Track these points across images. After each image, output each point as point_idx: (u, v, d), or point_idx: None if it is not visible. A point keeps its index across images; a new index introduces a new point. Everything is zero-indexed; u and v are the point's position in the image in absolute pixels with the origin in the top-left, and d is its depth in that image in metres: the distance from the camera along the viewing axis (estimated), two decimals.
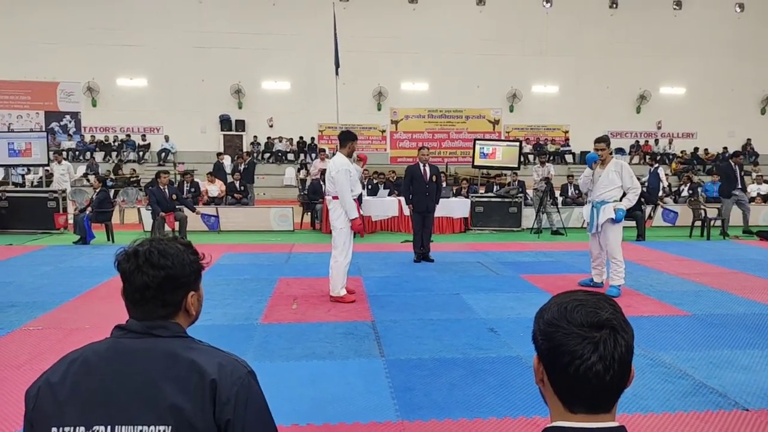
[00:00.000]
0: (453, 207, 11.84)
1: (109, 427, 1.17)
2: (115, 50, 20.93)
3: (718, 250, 9.55)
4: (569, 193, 13.29)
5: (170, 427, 1.16)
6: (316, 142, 21.97)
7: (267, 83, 22.26)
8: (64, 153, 19.28)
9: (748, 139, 23.15)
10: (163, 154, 21.08)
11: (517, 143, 13.58)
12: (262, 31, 21.31)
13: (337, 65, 12.85)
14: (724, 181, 11.52)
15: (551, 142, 22.79)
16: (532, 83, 22.81)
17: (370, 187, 12.97)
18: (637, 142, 23.07)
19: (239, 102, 22.16)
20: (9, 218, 11.13)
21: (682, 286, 6.62)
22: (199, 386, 1.19)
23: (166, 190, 10.00)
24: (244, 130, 22.26)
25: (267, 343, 4.45)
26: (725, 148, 22.55)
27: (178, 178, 14.26)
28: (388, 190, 12.92)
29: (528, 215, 11.98)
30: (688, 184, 14.64)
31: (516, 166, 12.80)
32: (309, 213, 12.59)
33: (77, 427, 1.17)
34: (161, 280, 1.28)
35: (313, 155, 20.10)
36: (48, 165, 12.39)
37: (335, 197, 5.80)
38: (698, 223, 11.47)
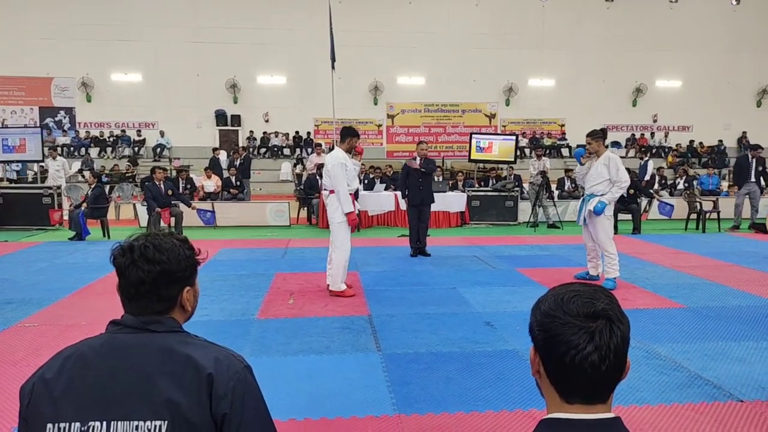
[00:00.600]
0: (449, 201, 11.85)
1: (104, 423, 1.17)
2: (109, 45, 20.81)
3: (713, 242, 9.58)
4: (565, 187, 13.31)
5: (166, 422, 1.16)
6: (312, 136, 21.93)
7: (263, 78, 22.17)
8: (59, 149, 19.20)
9: (744, 132, 23.21)
10: (159, 150, 21.01)
11: (514, 137, 13.58)
12: (258, 26, 21.21)
13: (333, 60, 12.79)
14: (736, 172, 11.53)
15: (548, 136, 22.79)
16: (528, 77, 22.80)
17: (366, 181, 12.95)
18: (633, 135, 23.11)
19: (235, 97, 22.09)
20: (3, 214, 11.09)
21: (677, 278, 6.65)
22: (195, 381, 1.19)
23: (162, 186, 9.97)
24: (239, 125, 22.20)
25: (264, 338, 4.45)
26: (720, 140, 22.61)
27: (174, 173, 14.22)
28: (384, 185, 12.91)
29: (524, 209, 12.00)
30: (684, 177, 14.69)
31: (512, 160, 12.81)
32: (305, 208, 12.59)
33: (72, 423, 1.17)
34: (156, 275, 1.27)
35: (309, 150, 20.07)
36: (43, 161, 12.34)
37: (332, 191, 5.79)
38: (694, 216, 11.50)
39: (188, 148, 21.10)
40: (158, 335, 1.26)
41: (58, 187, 11.70)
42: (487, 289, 6.05)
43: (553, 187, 12.74)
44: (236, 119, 22.16)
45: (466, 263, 7.59)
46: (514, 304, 5.49)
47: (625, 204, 10.70)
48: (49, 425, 1.17)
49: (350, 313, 5.18)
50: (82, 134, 21.43)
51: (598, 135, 6.21)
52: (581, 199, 6.42)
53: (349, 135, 5.97)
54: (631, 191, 10.68)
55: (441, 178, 12.33)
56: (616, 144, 22.13)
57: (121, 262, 1.29)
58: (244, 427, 1.21)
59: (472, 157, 12.95)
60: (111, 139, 21.45)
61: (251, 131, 22.11)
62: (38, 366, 1.28)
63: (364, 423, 3.03)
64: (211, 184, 13.12)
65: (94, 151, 20.80)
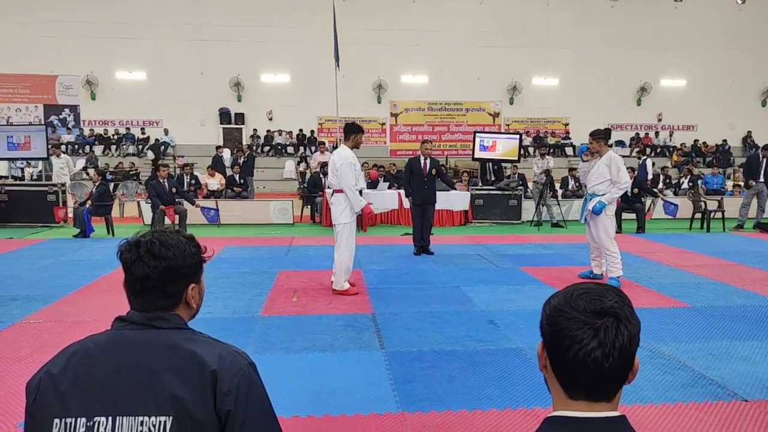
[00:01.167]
0: (453, 200, 11.83)
1: (110, 418, 1.17)
2: (114, 43, 20.87)
3: (717, 242, 9.55)
4: (569, 186, 13.29)
5: (171, 418, 1.17)
6: (315, 135, 21.94)
7: (266, 76, 22.20)
8: (63, 147, 19.26)
9: (749, 132, 23.12)
10: (163, 148, 21.05)
11: (517, 136, 13.55)
12: (262, 24, 21.23)
13: (337, 58, 12.79)
14: (746, 171, 11.49)
15: (551, 135, 22.75)
16: (532, 76, 22.75)
17: (369, 180, 12.95)
18: (638, 134, 23.04)
19: (239, 95, 22.11)
20: (9, 212, 11.13)
21: (681, 278, 6.63)
22: (199, 377, 1.20)
23: (166, 184, 9.99)
24: (243, 123, 22.23)
25: (267, 336, 4.46)
26: (725, 140, 22.52)
27: (178, 171, 14.25)
28: (387, 183, 12.91)
29: (528, 208, 11.98)
30: (688, 177, 14.64)
31: (516, 159, 12.78)
32: (309, 206, 12.59)
33: (78, 418, 1.17)
34: (162, 271, 1.28)
35: (313, 148, 20.08)
36: (47, 158, 12.38)
37: (337, 191, 5.76)
38: (698, 215, 11.47)
39: (192, 146, 21.14)
40: (163, 332, 1.27)
41: (63, 185, 11.73)
42: (490, 288, 6.05)
43: (557, 186, 12.71)
44: (240, 117, 22.19)
45: (469, 262, 7.59)
46: (517, 302, 5.48)
47: (629, 203, 10.68)
48: (56, 420, 1.18)
49: (353, 311, 5.18)
50: (87, 132, 21.50)
51: (600, 135, 6.20)
52: (584, 197, 6.43)
53: (353, 132, 5.92)
54: (636, 190, 10.66)
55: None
56: (620, 143, 22.07)
57: (128, 257, 1.30)
58: (248, 424, 1.22)
59: (475, 156, 12.93)
60: (115, 137, 21.51)
61: (255, 129, 22.13)
62: (43, 362, 1.29)
63: (368, 421, 3.04)
64: (215, 182, 13.15)
65: (98, 149, 20.86)
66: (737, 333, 4.55)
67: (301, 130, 22.01)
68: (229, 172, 13.72)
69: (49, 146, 12.27)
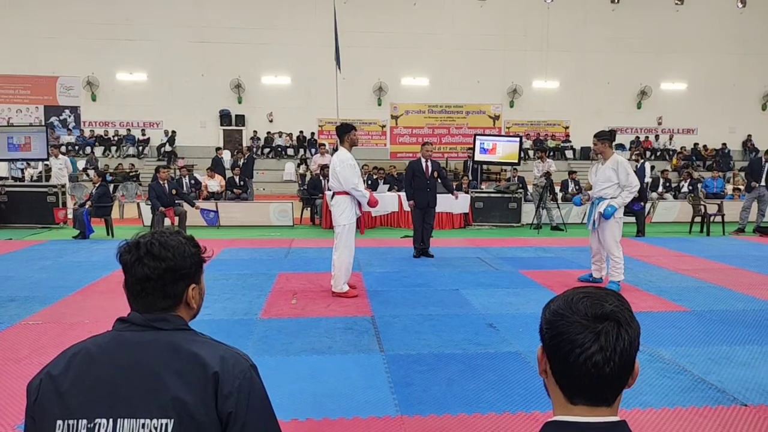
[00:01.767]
0: (453, 203, 11.82)
1: (111, 420, 1.17)
2: (114, 45, 20.91)
3: (717, 246, 9.55)
4: (569, 189, 13.29)
5: (173, 420, 1.16)
6: (315, 137, 21.96)
7: (267, 78, 22.23)
8: (63, 147, 19.27)
9: (749, 136, 23.14)
10: (163, 149, 21.07)
11: (518, 139, 13.57)
12: (263, 26, 21.27)
13: (338, 60, 12.81)
14: (748, 173, 11.50)
15: (551, 138, 22.77)
16: (532, 78, 22.78)
17: (369, 182, 12.96)
18: (638, 137, 23.05)
19: (239, 97, 22.14)
20: (8, 213, 11.14)
21: (681, 281, 6.63)
22: (201, 379, 1.20)
23: (166, 185, 9.99)
24: (243, 125, 22.25)
25: (267, 338, 4.45)
26: (724, 144, 22.54)
27: (177, 173, 14.26)
28: (388, 186, 12.91)
29: (528, 211, 11.98)
30: (688, 180, 14.64)
31: (516, 161, 12.79)
32: (309, 208, 12.59)
33: (80, 420, 1.17)
34: (162, 272, 1.28)
35: (313, 150, 20.10)
36: (47, 159, 12.38)
37: (338, 193, 5.76)
38: (698, 219, 11.47)
39: (192, 147, 21.16)
40: (165, 333, 1.27)
41: (63, 186, 11.73)
42: (489, 291, 6.04)
43: (557, 189, 12.71)
44: (240, 119, 22.21)
45: (469, 265, 7.59)
46: (516, 306, 5.48)
47: (629, 207, 10.66)
48: (59, 422, 1.18)
49: (353, 313, 5.18)
50: (87, 133, 21.52)
51: (605, 136, 6.14)
52: (590, 202, 6.37)
53: (345, 132, 5.87)
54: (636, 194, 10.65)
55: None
56: (620, 146, 22.08)
57: (127, 258, 1.30)
58: (249, 426, 1.21)
59: (475, 159, 12.93)
60: (115, 138, 21.52)
61: (255, 131, 22.16)
62: (43, 363, 1.29)
63: (367, 424, 3.03)
64: (215, 183, 13.15)
65: (98, 150, 20.88)
66: (737, 337, 4.54)
67: (301, 132, 22.03)
68: (229, 173, 13.72)
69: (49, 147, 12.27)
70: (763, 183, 10.94)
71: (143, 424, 1.16)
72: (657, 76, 22.95)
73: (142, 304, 1.30)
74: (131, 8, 20.79)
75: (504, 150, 12.68)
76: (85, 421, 1.17)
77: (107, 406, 1.18)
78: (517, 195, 12.01)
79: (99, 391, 1.19)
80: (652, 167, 15.22)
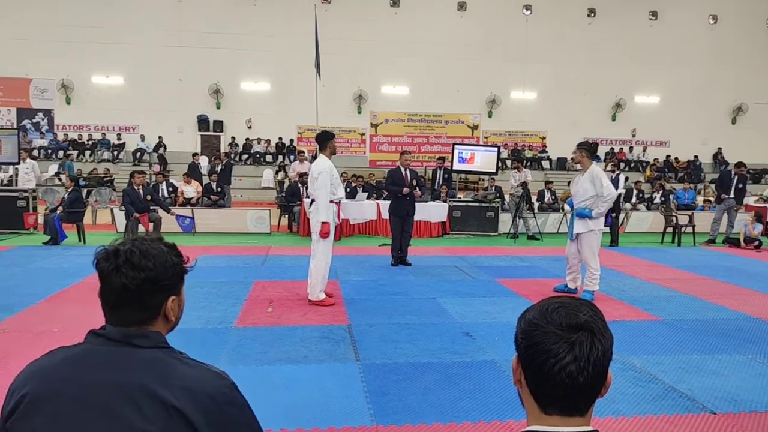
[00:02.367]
0: (431, 211, 11.88)
1: None
2: (91, 47, 20.58)
3: (688, 256, 9.75)
4: (546, 199, 13.45)
5: None
6: (295, 144, 21.88)
7: (246, 84, 22.10)
8: (35, 152, 18.87)
9: (719, 148, 23.73)
10: (139, 154, 20.76)
11: (496, 149, 13.70)
12: (243, 32, 21.17)
13: (318, 67, 12.81)
14: (718, 186, 11.77)
15: (529, 148, 23.04)
16: (510, 89, 23.07)
17: (348, 190, 12.94)
18: (612, 149, 23.48)
19: (218, 102, 21.96)
20: None
21: (653, 291, 6.74)
22: (180, 401, 1.12)
23: (141, 191, 9.84)
24: (222, 131, 22.07)
25: (241, 347, 4.40)
26: (696, 156, 23.08)
27: (153, 178, 14.06)
28: (366, 194, 12.91)
29: (505, 220, 12.09)
30: (661, 191, 14.94)
31: (494, 171, 12.91)
32: (287, 215, 12.51)
33: None
34: (141, 282, 1.20)
35: (292, 157, 20.01)
36: (18, 163, 12.08)
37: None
38: (670, 229, 11.70)
39: (169, 153, 20.88)
40: (143, 351, 1.19)
41: (34, 190, 11.46)
42: (466, 300, 6.07)
43: (534, 198, 12.86)
44: (218, 125, 22.02)
45: (446, 273, 7.61)
46: (493, 314, 5.51)
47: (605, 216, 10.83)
48: None
49: (329, 322, 5.15)
50: (61, 137, 21.10)
51: (585, 146, 6.17)
52: (571, 215, 6.43)
53: (327, 140, 5.87)
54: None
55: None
56: (595, 158, 22.44)
57: (105, 266, 1.21)
58: None
59: (454, 168, 13.02)
60: (90, 142, 21.14)
61: (233, 137, 21.98)
62: (8, 373, 1.23)
63: None
64: (192, 189, 12.99)
65: (72, 154, 20.46)
66: (707, 346, 4.63)
67: (280, 139, 21.93)
68: (205, 179, 13.56)
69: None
70: (732, 195, 11.22)
71: None
72: (631, 89, 23.45)
73: (118, 316, 1.21)
74: (108, 10, 20.49)
75: (482, 159, 12.79)
76: None
77: (74, 428, 1.10)
78: (494, 204, 12.11)
79: (66, 411, 1.11)
80: (626, 178, 15.47)
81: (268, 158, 21.58)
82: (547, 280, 7.22)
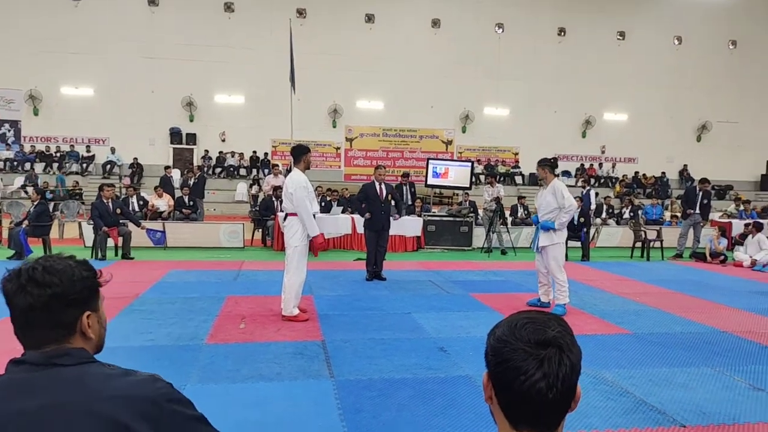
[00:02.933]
0: (406, 225, 11.91)
1: None
2: (60, 57, 20.21)
3: (656, 270, 9.96)
4: (518, 214, 13.62)
5: None
6: (269, 157, 21.75)
7: (220, 96, 21.95)
8: (0, 164, 18.36)
9: (685, 165, 24.44)
10: (109, 167, 20.38)
11: (469, 164, 13.85)
12: (217, 44, 21.06)
13: (293, 81, 12.79)
14: (684, 202, 12.05)
15: (502, 164, 23.37)
16: (484, 105, 23.41)
17: (323, 204, 12.90)
18: (582, 165, 23.97)
19: (191, 115, 21.74)
20: None
21: (623, 305, 6.85)
22: (117, 415, 1.09)
23: (110, 204, 9.64)
24: (195, 144, 21.82)
25: (212, 364, 4.31)
26: (663, 172, 23.71)
27: (123, 191, 13.80)
28: (341, 208, 12.89)
29: (479, 234, 12.19)
30: (630, 207, 15.27)
31: (468, 186, 13.03)
32: (260, 230, 12.40)
33: None
34: (47, 299, 1.16)
35: (266, 171, 19.87)
36: None
37: (291, 214, 5.70)
38: (639, 244, 11.95)
39: (141, 166, 20.53)
40: (67, 369, 1.14)
41: None
42: (441, 315, 6.07)
43: (507, 213, 13.01)
44: (191, 138, 21.77)
45: (421, 288, 7.62)
46: (467, 329, 5.52)
47: (575, 231, 11.01)
48: None
49: (303, 338, 5.09)
50: (27, 149, 20.58)
51: (546, 163, 6.42)
52: (536, 229, 6.57)
53: (302, 153, 5.86)
54: (582, 219, 11.02)
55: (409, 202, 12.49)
56: (566, 173, 22.88)
57: (9, 287, 1.18)
58: None
59: (428, 183, 13.10)
60: (58, 154, 20.67)
61: (206, 150, 21.75)
62: None
63: None
64: (163, 203, 12.78)
65: (39, 167, 19.97)
66: (676, 359, 4.72)
67: (254, 152, 21.78)
68: (178, 193, 13.37)
69: None
70: (697, 210, 11.53)
71: None
72: (600, 107, 24.04)
73: (32, 339, 1.17)
74: (79, 20, 20.19)
75: (456, 174, 12.91)
76: None
77: None
78: (468, 219, 12.21)
79: None
80: (596, 194, 15.79)
81: (242, 172, 21.40)
82: (520, 294, 7.28)
